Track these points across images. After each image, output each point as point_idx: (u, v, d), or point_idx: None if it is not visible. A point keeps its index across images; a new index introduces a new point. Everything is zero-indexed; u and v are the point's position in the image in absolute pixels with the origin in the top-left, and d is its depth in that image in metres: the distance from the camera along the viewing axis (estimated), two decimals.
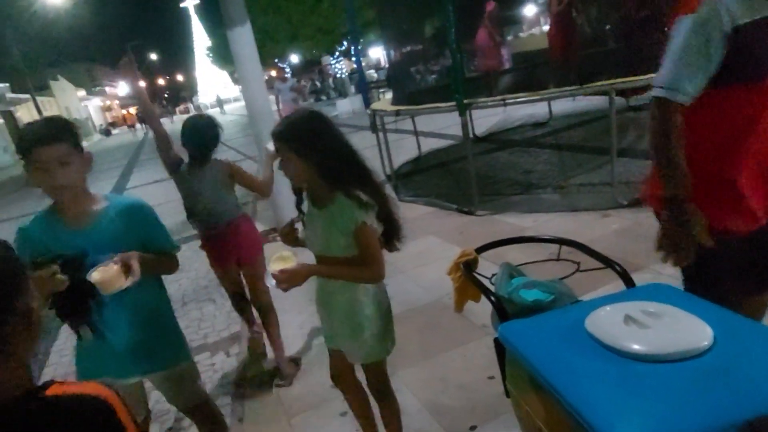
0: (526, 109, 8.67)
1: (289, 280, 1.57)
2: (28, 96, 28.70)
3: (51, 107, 36.88)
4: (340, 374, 1.98)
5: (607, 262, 1.54)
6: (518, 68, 9.00)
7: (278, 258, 1.65)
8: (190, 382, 1.90)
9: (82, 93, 48.77)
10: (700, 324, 1.07)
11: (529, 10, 25.10)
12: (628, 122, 6.63)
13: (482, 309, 2.78)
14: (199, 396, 1.93)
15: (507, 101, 4.52)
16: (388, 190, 1.82)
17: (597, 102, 7.32)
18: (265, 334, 3.01)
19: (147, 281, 1.62)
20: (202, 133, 2.66)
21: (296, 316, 3.55)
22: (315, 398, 2.64)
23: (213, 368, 3.23)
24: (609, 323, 1.14)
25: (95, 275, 1.46)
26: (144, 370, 1.74)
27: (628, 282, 1.47)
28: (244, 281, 2.91)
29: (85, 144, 1.94)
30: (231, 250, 2.73)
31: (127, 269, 1.50)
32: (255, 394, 2.83)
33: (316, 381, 2.77)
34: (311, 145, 1.56)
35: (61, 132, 1.49)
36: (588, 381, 1.05)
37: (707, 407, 0.92)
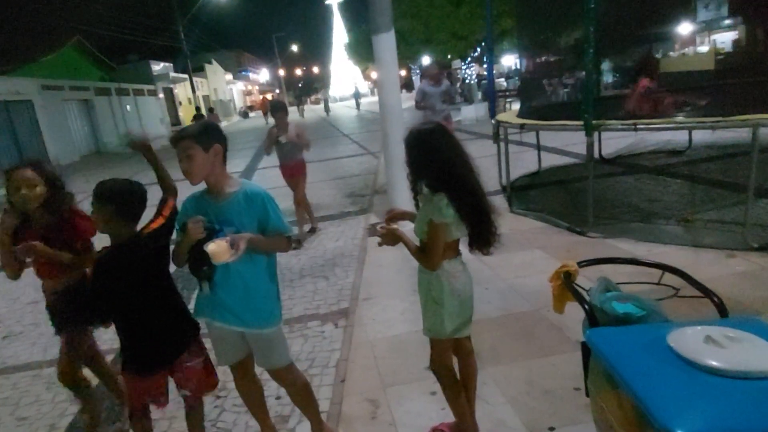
0: (663, 135, 8.21)
1: (386, 234, 2.08)
2: (185, 76, 32.42)
3: (203, 87, 41.35)
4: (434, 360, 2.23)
5: (706, 292, 1.63)
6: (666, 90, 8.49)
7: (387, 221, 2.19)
8: (274, 347, 2.20)
9: (229, 77, 53.88)
10: None
11: (685, 28, 23.12)
12: None
13: (578, 325, 2.89)
14: (281, 361, 2.24)
15: (638, 126, 4.42)
16: (500, 201, 2.07)
17: (744, 135, 6.77)
18: None
19: (256, 257, 2.05)
20: None
21: (399, 303, 3.87)
22: (409, 376, 2.93)
23: (322, 335, 3.62)
24: (690, 340, 1.27)
25: (210, 246, 1.89)
26: (240, 323, 2.12)
27: (723, 313, 1.55)
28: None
29: (224, 124, 2.42)
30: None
31: (235, 247, 1.90)
32: (356, 362, 3.18)
33: (413, 360, 3.05)
34: (420, 157, 2.00)
35: (188, 134, 1.96)
36: (660, 385, 1.20)
37: (763, 423, 1.04)
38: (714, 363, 1.17)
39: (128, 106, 28.62)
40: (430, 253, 1.99)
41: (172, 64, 34.54)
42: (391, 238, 2.07)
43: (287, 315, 3.93)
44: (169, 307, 2.14)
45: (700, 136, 7.85)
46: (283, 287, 4.42)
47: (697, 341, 1.25)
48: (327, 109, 36.41)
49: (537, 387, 2.65)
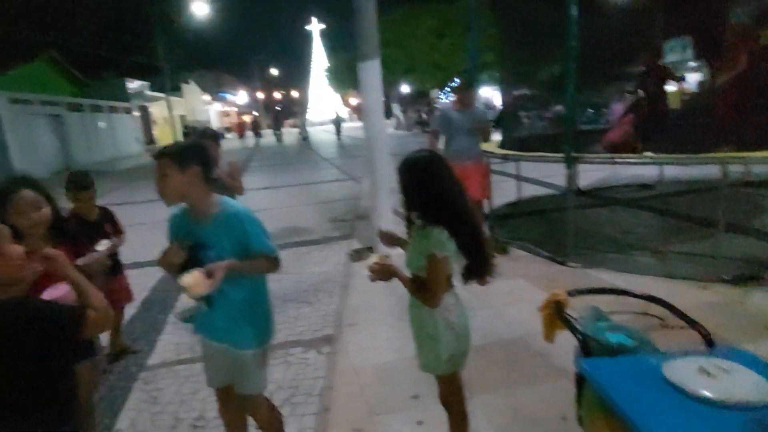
0: (634, 169, 8.52)
1: (379, 270, 1.99)
2: (162, 95, 32.20)
3: (180, 107, 41.06)
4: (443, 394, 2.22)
5: (692, 323, 1.70)
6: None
7: (378, 255, 2.07)
8: (251, 372, 2.16)
9: (207, 97, 53.76)
10: (765, 384, 1.23)
11: None
12: (743, 196, 6.35)
13: (564, 353, 2.95)
14: (254, 388, 2.21)
15: (616, 160, 4.60)
16: (484, 229, 2.10)
17: (709, 171, 7.10)
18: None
19: (242, 279, 2.04)
20: None
21: (385, 329, 3.87)
22: (397, 404, 2.92)
23: (306, 362, 3.58)
24: (684, 370, 1.33)
25: (185, 279, 1.86)
26: (225, 340, 2.13)
27: (710, 344, 1.62)
28: None
29: None
30: None
31: (212, 278, 1.87)
32: (341, 390, 3.15)
33: (400, 388, 3.05)
34: (419, 188, 1.95)
35: (167, 152, 1.95)
36: (657, 415, 1.25)
37: None
38: (708, 393, 1.23)
39: (101, 123, 28.20)
40: (432, 289, 1.93)
41: (148, 83, 34.30)
42: (386, 274, 2.01)
43: None
44: None
45: (669, 171, 8.18)
46: None
47: (691, 372, 1.31)
48: (304, 134, 31.68)
49: (524, 416, 2.68)
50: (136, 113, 33.49)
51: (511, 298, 4.22)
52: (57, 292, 1.86)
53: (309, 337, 3.98)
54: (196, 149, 2.02)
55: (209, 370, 2.25)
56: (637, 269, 4.60)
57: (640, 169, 8.25)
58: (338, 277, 5.24)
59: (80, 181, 3.39)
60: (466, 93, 5.39)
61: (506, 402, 2.81)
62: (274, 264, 2.11)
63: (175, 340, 4.13)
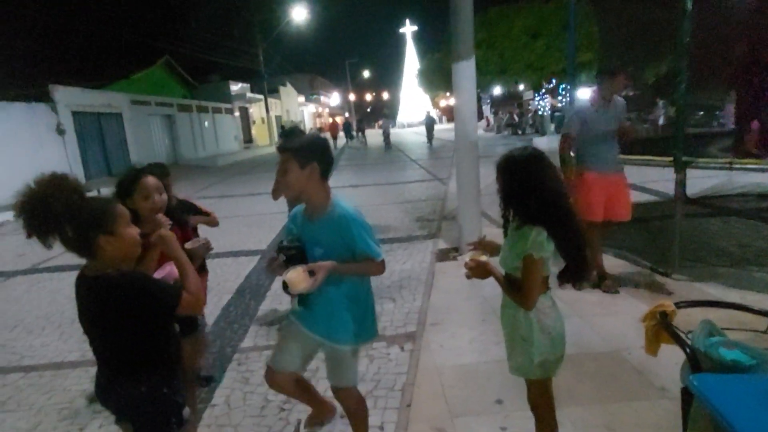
0: (754, 176, 7.69)
1: (475, 268, 1.98)
2: (261, 96, 34.04)
3: (276, 108, 43.20)
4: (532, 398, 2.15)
5: None
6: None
7: (475, 253, 2.06)
8: (345, 366, 2.21)
9: (301, 99, 56.03)
10: None
11: None
12: None
13: (665, 371, 2.73)
14: (346, 382, 2.26)
15: (733, 166, 4.18)
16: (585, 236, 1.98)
17: None
18: None
19: (343, 279, 2.07)
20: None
21: (468, 331, 3.80)
22: (479, 408, 2.85)
23: (387, 357, 3.61)
24: None
25: (289, 275, 1.92)
26: (324, 334, 2.17)
27: None
28: None
29: None
30: None
31: (313, 276, 1.92)
32: (422, 387, 3.13)
33: (482, 391, 2.98)
34: (520, 187, 1.88)
35: (289, 147, 2.00)
36: None
37: None
38: None
39: (206, 123, 30.39)
40: (528, 290, 1.87)
41: (249, 85, 36.43)
42: (481, 272, 1.99)
43: None
44: None
45: None
46: None
47: None
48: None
49: None
50: (237, 113, 35.73)
51: (607, 308, 3.97)
52: (164, 271, 2.04)
53: (392, 333, 4.00)
54: (318, 146, 2.06)
55: (288, 353, 2.29)
56: (753, 286, 4.13)
57: (760, 177, 7.43)
58: (422, 275, 5.22)
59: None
60: (610, 83, 4.17)
61: (599, 417, 2.64)
62: (378, 268, 2.11)
63: (265, 326, 4.34)
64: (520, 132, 29.22)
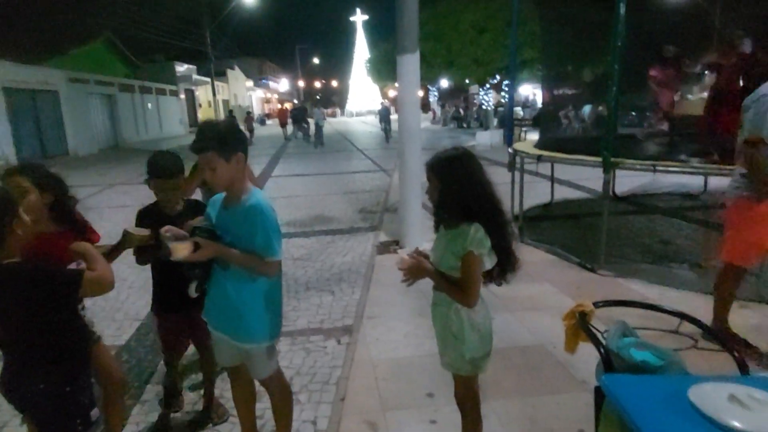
0: (678, 177, 8.18)
1: (411, 271, 1.96)
2: (207, 79, 32.81)
3: (224, 91, 41.82)
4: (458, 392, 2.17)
5: (728, 347, 1.59)
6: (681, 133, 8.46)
7: (408, 251, 2.05)
8: (258, 362, 2.18)
9: (249, 84, 54.51)
10: None
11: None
12: None
13: (585, 365, 2.84)
14: (260, 374, 2.22)
15: (657, 168, 4.40)
16: (512, 229, 2.02)
17: None
18: None
19: (239, 273, 2.02)
20: None
21: (404, 325, 3.83)
22: (410, 401, 2.88)
23: (324, 351, 3.58)
24: (712, 397, 1.23)
25: (174, 242, 1.90)
26: (225, 332, 2.14)
27: (744, 370, 1.51)
28: None
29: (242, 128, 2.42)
30: None
31: (195, 248, 1.89)
32: (357, 381, 3.13)
33: (415, 385, 3.01)
34: (455, 185, 1.88)
35: (210, 146, 1.91)
36: None
37: None
38: (738, 424, 1.13)
39: (150, 105, 29.00)
40: (470, 287, 1.88)
41: (195, 67, 35.03)
42: (417, 273, 1.96)
43: (290, 327, 3.91)
44: None
45: (716, 182, 7.81)
46: (288, 298, 4.41)
47: (721, 399, 1.22)
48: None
49: (540, 425, 2.60)
50: (182, 96, 34.30)
51: (535, 302, 4.11)
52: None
53: (329, 326, 3.99)
54: (236, 135, 2.01)
55: (217, 351, 2.31)
56: (673, 282, 4.39)
57: (685, 177, 7.91)
58: (362, 268, 5.21)
59: (160, 168, 2.49)
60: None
61: (522, 409, 2.73)
62: (269, 267, 2.03)
63: None
64: (465, 125, 29.76)
